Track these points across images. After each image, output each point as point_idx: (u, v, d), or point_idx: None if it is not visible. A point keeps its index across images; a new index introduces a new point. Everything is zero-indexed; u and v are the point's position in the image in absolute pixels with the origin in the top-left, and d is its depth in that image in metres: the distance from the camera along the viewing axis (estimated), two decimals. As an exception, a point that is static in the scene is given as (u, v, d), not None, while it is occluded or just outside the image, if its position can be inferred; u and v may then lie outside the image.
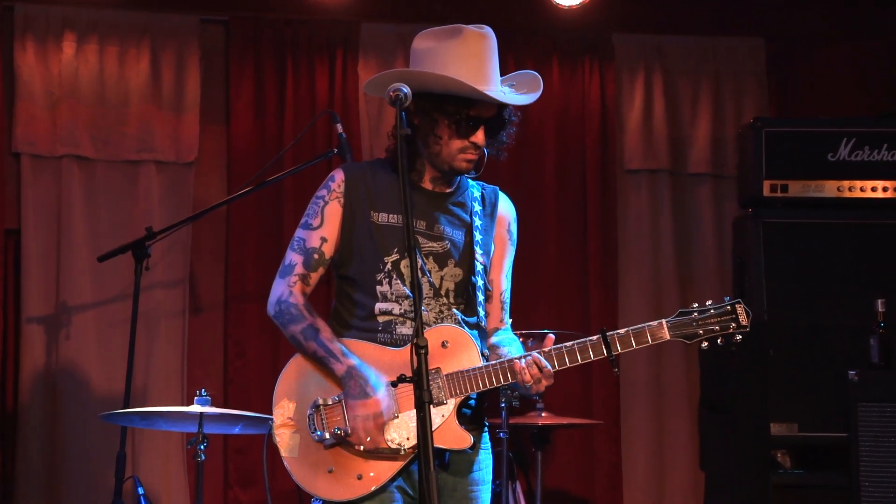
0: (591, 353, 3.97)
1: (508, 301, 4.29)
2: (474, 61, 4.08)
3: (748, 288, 7.05)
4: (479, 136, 4.08)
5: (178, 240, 7.58)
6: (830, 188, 7.16)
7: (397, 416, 3.93)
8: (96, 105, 7.69)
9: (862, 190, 7.15)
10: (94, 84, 7.70)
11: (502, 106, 4.14)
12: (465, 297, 4.10)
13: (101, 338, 7.58)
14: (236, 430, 5.78)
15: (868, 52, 8.40)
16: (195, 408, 5.28)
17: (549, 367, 3.93)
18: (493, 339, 4.22)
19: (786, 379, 6.86)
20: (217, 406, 5.35)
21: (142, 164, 7.75)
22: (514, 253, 4.31)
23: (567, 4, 7.83)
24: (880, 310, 6.59)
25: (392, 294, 4.03)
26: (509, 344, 4.18)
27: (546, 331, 4.28)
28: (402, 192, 3.62)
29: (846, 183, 7.16)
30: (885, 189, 7.15)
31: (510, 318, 4.32)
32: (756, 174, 7.20)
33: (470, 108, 4.06)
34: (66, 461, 7.45)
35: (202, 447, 5.33)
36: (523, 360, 3.94)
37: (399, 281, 4.03)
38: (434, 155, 4.11)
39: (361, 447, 3.90)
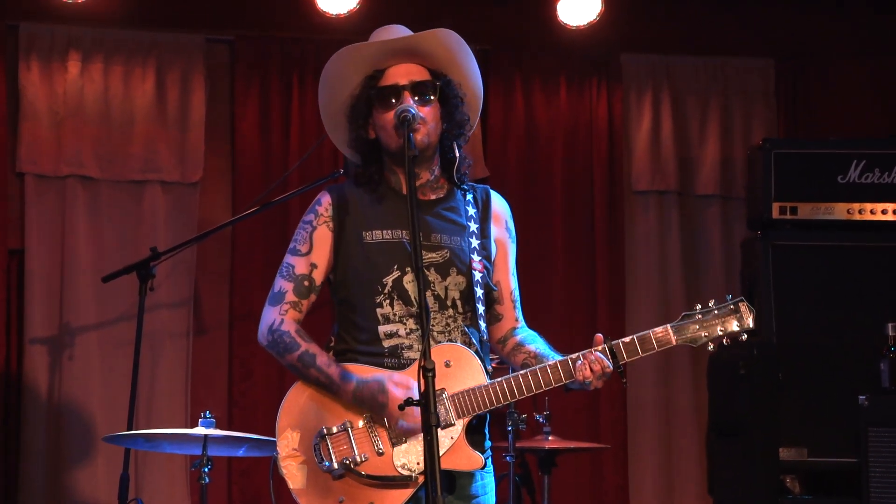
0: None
1: (519, 299, 4.21)
2: (376, 39, 4.11)
3: (757, 311, 6.93)
4: (407, 101, 3.95)
5: (182, 260, 7.55)
6: (840, 210, 7.12)
7: (405, 442, 3.87)
8: (101, 125, 7.67)
9: (872, 213, 7.10)
10: (98, 103, 7.68)
11: (435, 77, 4.05)
12: (471, 305, 4.02)
13: (105, 359, 7.54)
14: (241, 453, 5.73)
15: (878, 72, 8.39)
16: (199, 430, 5.23)
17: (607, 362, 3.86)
18: (518, 338, 4.14)
19: (795, 403, 6.82)
20: (221, 428, 5.31)
21: (147, 184, 7.73)
22: (515, 250, 4.21)
23: (575, 24, 7.81)
24: (891, 333, 6.55)
25: (395, 315, 3.95)
26: (534, 341, 4.10)
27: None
28: (411, 214, 3.59)
29: (856, 205, 7.11)
30: (895, 212, 7.10)
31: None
32: (765, 196, 7.16)
33: (381, 80, 4.02)
34: (69, 483, 7.41)
35: (206, 469, 5.28)
36: (580, 360, 3.85)
37: (400, 301, 3.95)
38: (387, 150, 4.05)
39: (416, 441, 3.83)
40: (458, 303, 4.00)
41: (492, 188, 4.27)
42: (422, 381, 3.41)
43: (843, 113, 8.30)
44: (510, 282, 4.19)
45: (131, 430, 6.18)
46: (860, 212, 7.11)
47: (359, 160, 4.14)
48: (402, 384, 3.82)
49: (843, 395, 6.58)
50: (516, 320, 4.19)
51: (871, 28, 8.35)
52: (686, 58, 8.40)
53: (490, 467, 4.06)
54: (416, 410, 3.56)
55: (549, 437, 6.71)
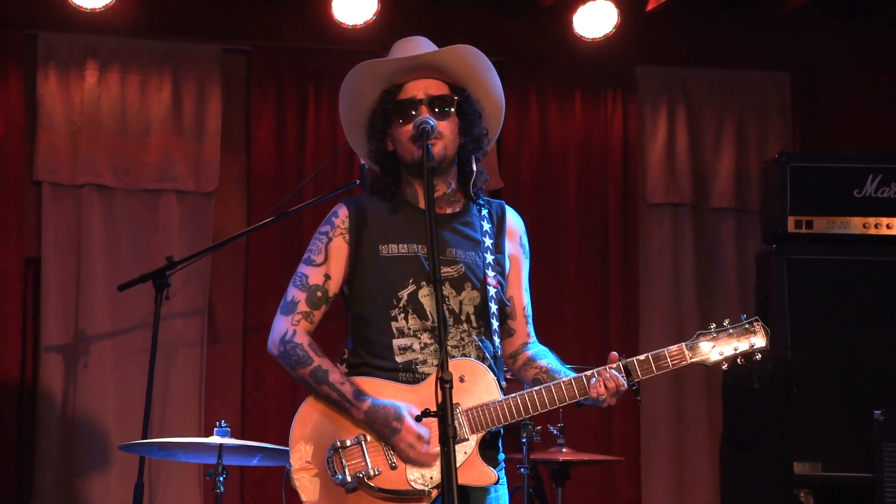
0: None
1: (531, 314, 4.21)
2: (397, 52, 4.10)
3: (771, 325, 6.97)
4: (424, 114, 3.95)
5: (197, 269, 7.55)
6: (856, 224, 7.12)
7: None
8: (117, 134, 7.69)
9: (888, 227, 7.10)
10: (115, 113, 7.69)
11: (454, 92, 4.05)
12: (484, 319, 4.02)
13: (120, 367, 7.54)
14: (254, 462, 5.72)
15: (893, 87, 8.36)
16: (215, 439, 5.22)
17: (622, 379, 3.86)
18: (529, 353, 4.14)
19: (809, 417, 6.81)
20: (234, 437, 5.29)
21: (162, 194, 7.74)
22: (528, 265, 4.22)
23: (590, 37, 7.81)
24: (906, 348, 6.55)
25: (409, 329, 3.95)
26: (546, 356, 4.10)
27: (568, 367, 4.23)
28: (429, 226, 3.60)
29: (872, 219, 7.11)
30: (911, 226, 7.12)
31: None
32: (780, 209, 7.17)
33: (399, 93, 4.02)
34: (83, 491, 7.41)
35: (221, 479, 5.27)
36: (595, 377, 3.85)
37: (415, 315, 3.95)
38: (404, 163, 4.05)
39: (431, 471, 3.83)
40: (473, 317, 4.00)
41: (506, 200, 4.28)
42: (439, 392, 3.40)
43: (858, 127, 8.30)
44: (523, 297, 4.19)
45: (146, 438, 6.18)
46: (876, 226, 7.11)
47: (378, 171, 4.15)
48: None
49: (857, 410, 6.58)
50: (528, 336, 4.19)
51: (886, 43, 8.34)
52: (701, 71, 8.40)
53: (504, 480, 4.04)
54: (426, 446, 3.72)
55: (563, 450, 6.70)
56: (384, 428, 3.83)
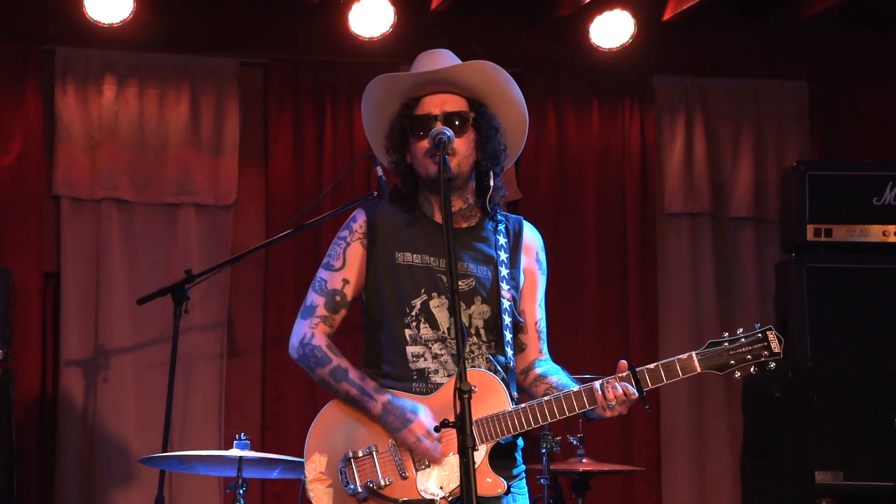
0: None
1: (545, 331, 4.20)
2: (419, 64, 4.11)
3: (791, 334, 6.97)
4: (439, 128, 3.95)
5: (216, 283, 7.57)
6: (875, 233, 7.09)
7: (429, 466, 3.87)
8: (136, 148, 7.71)
9: (908, 235, 7.08)
10: (133, 127, 7.72)
11: (471, 107, 4.06)
12: (495, 334, 4.03)
13: (139, 381, 7.56)
14: (274, 475, 5.73)
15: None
16: (235, 452, 5.24)
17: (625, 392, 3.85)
18: (539, 370, 4.13)
19: (831, 426, 6.78)
20: (253, 450, 5.30)
21: (181, 207, 7.76)
22: (545, 282, 4.21)
23: (607, 47, 7.81)
24: (927, 356, 6.51)
25: (421, 338, 3.97)
26: (556, 373, 4.10)
27: (587, 376, 4.22)
28: (447, 237, 3.59)
29: (891, 227, 7.08)
30: (931, 234, 7.09)
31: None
32: (799, 218, 7.14)
33: (416, 108, 4.04)
34: (104, 505, 7.44)
35: (241, 491, 5.27)
36: (600, 387, 3.84)
37: (427, 324, 3.97)
38: (420, 177, 4.06)
39: (439, 465, 3.85)
40: (482, 331, 4.02)
41: (524, 210, 4.29)
42: (457, 402, 3.40)
43: (876, 136, 8.28)
44: (535, 312, 4.19)
45: (166, 451, 6.19)
46: (895, 234, 7.08)
47: (398, 181, 4.17)
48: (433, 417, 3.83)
49: (878, 419, 6.55)
50: (540, 352, 4.19)
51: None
52: (719, 80, 8.39)
53: (524, 490, 4.05)
54: (436, 443, 3.73)
55: (584, 460, 6.69)
56: (397, 420, 3.85)
